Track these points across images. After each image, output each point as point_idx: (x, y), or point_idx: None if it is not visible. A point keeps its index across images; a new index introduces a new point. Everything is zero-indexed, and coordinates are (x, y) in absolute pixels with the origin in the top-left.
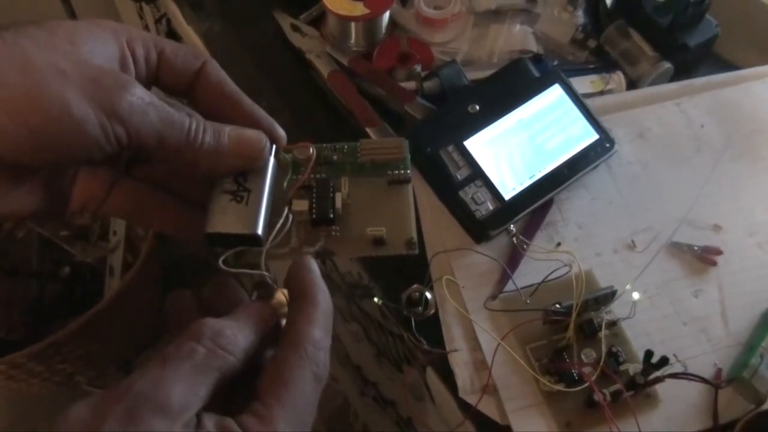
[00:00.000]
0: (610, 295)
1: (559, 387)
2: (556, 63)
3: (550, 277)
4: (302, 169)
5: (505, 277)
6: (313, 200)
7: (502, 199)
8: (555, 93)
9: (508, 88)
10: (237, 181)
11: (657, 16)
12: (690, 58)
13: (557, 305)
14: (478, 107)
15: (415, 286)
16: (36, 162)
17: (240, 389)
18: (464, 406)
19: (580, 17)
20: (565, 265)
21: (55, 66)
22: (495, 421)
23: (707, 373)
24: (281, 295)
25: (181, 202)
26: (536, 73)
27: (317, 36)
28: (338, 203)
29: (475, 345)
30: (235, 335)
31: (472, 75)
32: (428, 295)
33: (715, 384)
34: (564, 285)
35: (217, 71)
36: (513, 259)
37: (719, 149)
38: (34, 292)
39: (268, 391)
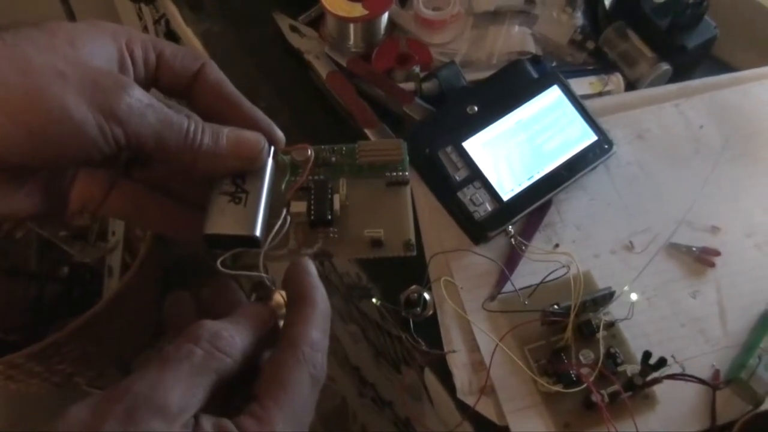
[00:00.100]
0: (608, 296)
1: (557, 388)
2: (554, 64)
3: (548, 278)
4: (300, 171)
5: (503, 278)
6: (312, 202)
7: (501, 200)
8: (554, 94)
9: (506, 90)
10: (235, 183)
11: (656, 17)
12: (689, 59)
13: (555, 306)
14: (476, 108)
15: (413, 287)
16: (35, 163)
17: (238, 390)
18: (462, 407)
19: (579, 19)
20: (564, 266)
21: (55, 67)
22: (493, 421)
23: (705, 374)
24: (279, 297)
25: (180, 203)
26: (535, 75)
27: (316, 37)
28: (336, 205)
29: (473, 346)
30: (233, 337)
31: (471, 76)
32: (426, 296)
33: (713, 385)
34: (562, 286)
35: (215, 73)
36: (511, 260)
37: (718, 150)
38: (33, 293)
39: (266, 392)
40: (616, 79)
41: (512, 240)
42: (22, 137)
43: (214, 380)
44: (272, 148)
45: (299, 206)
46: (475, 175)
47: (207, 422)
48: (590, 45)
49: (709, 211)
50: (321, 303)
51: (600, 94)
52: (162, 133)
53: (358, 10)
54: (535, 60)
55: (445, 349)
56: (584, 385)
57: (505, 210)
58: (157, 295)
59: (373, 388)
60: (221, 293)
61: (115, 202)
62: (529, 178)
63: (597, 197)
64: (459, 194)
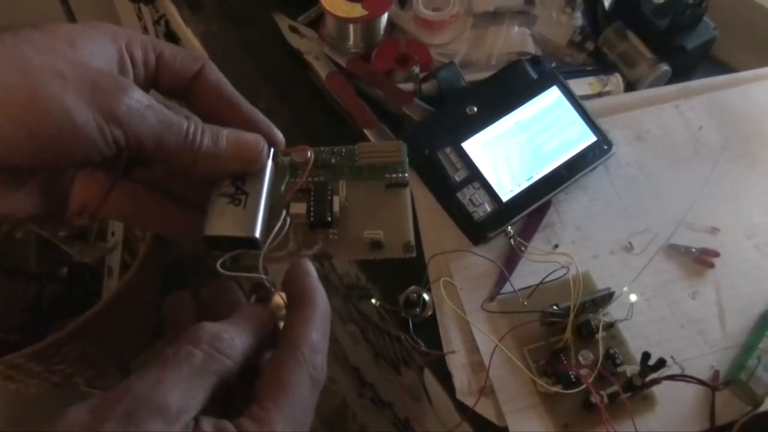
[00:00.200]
0: (607, 297)
1: (557, 389)
2: (554, 65)
3: (547, 279)
4: (300, 173)
5: (502, 279)
6: (311, 203)
7: (500, 200)
8: (553, 95)
9: (506, 90)
10: (235, 184)
11: (655, 18)
12: (688, 60)
13: (555, 307)
14: (476, 109)
15: (412, 287)
16: (34, 164)
17: (238, 392)
18: (461, 408)
19: (579, 19)
20: (563, 267)
21: (54, 69)
22: (492, 422)
23: (704, 375)
24: (279, 298)
25: (179, 205)
26: (534, 75)
27: (315, 37)
28: (336, 206)
29: (472, 347)
30: (233, 339)
31: (471, 77)
32: (426, 296)
33: (712, 386)
34: (561, 287)
35: (215, 74)
36: (510, 260)
37: (717, 151)
38: (32, 293)
39: (266, 394)
40: (616, 80)
41: (511, 240)
42: (21, 138)
43: (214, 382)
44: (272, 150)
45: (299, 208)
46: (475, 175)
47: (207, 424)
48: (590, 46)
49: (708, 212)
50: (321, 304)
51: (599, 95)
52: (162, 134)
53: (358, 11)
54: (535, 60)
55: (445, 350)
56: (583, 386)
57: (505, 211)
58: (156, 295)
59: (373, 388)
60: (221, 294)
61: (115, 202)
62: (528, 179)
63: (596, 198)
64: (458, 195)
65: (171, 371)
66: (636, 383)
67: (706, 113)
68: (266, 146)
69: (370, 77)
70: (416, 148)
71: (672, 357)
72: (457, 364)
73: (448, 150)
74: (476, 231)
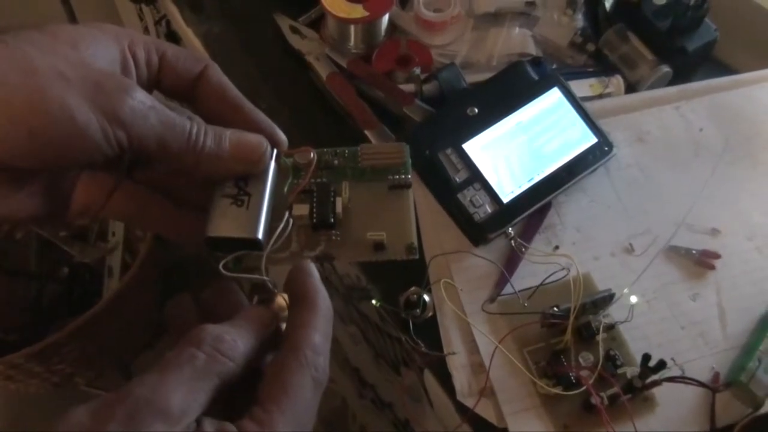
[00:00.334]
0: (607, 299)
1: (557, 390)
2: (555, 66)
3: (548, 281)
4: (303, 174)
5: (503, 280)
6: (314, 205)
7: (501, 202)
8: (554, 96)
9: (506, 91)
10: (238, 185)
11: (656, 19)
12: (689, 62)
13: (555, 308)
14: (476, 110)
15: (413, 288)
16: (35, 164)
17: (240, 394)
18: (462, 409)
19: (580, 21)
20: (563, 269)
21: (57, 69)
22: (492, 423)
23: (705, 376)
24: (281, 300)
25: (182, 206)
26: (535, 77)
27: (316, 38)
28: (339, 208)
29: (472, 348)
30: (235, 341)
31: (471, 78)
32: (426, 297)
33: (712, 388)
34: (562, 288)
35: (218, 75)
36: (511, 262)
37: (718, 153)
38: (32, 293)
39: (268, 396)
40: (617, 82)
41: (512, 242)
42: (22, 138)
43: (217, 384)
44: (275, 151)
45: (301, 209)
46: (475, 176)
47: (209, 426)
48: (591, 47)
49: (709, 214)
50: (323, 306)
51: (600, 96)
52: (164, 135)
53: (359, 12)
54: (536, 62)
55: (445, 351)
56: (584, 388)
57: (505, 212)
58: (156, 295)
59: (373, 389)
60: (223, 295)
61: (117, 203)
62: (529, 180)
63: (597, 199)
64: (459, 196)
65: (173, 373)
66: (636, 385)
67: (707, 115)
68: (269, 147)
69: (370, 78)
70: (417, 149)
71: (672, 359)
72: (458, 365)
73: (448, 151)
74: (477, 232)
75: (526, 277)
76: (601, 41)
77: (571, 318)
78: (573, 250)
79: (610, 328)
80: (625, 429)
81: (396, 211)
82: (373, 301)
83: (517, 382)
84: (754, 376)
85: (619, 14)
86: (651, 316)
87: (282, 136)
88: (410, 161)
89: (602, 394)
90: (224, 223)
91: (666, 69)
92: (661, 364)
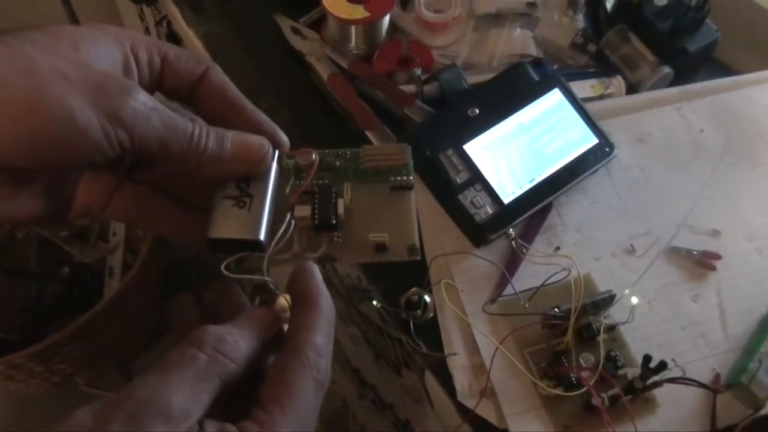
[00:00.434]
0: (608, 300)
1: (558, 391)
2: (555, 67)
3: (548, 281)
4: (305, 175)
5: (503, 281)
6: (316, 206)
7: (502, 203)
8: (555, 97)
9: (507, 92)
10: (239, 187)
11: (657, 20)
12: (690, 62)
13: (556, 309)
14: (477, 111)
15: (413, 289)
16: (36, 165)
17: (242, 395)
18: (462, 410)
19: (580, 21)
20: (564, 269)
21: (58, 70)
22: (493, 424)
23: (705, 377)
24: (283, 301)
25: (183, 207)
26: (536, 77)
27: (317, 39)
28: (341, 209)
29: (473, 349)
30: (237, 342)
31: (472, 79)
32: (427, 298)
33: (713, 389)
34: (563, 289)
35: (220, 76)
36: (512, 262)
37: (718, 154)
38: (33, 293)
39: (270, 397)
40: (618, 82)
41: (513, 243)
42: (23, 139)
43: (218, 385)
44: (276, 152)
45: (303, 210)
46: (476, 177)
47: (211, 427)
48: (591, 48)
49: (709, 215)
50: (326, 307)
51: (601, 97)
52: (166, 136)
53: (360, 12)
54: (537, 63)
55: (446, 352)
56: (584, 389)
57: (506, 213)
58: (157, 295)
59: (374, 390)
60: (225, 296)
61: (119, 204)
62: (530, 181)
63: (598, 200)
64: (460, 197)
65: (175, 374)
66: (637, 386)
67: (708, 116)
68: (271, 149)
69: (371, 79)
70: (418, 150)
71: (673, 359)
72: (458, 366)
73: (449, 152)
74: (478, 233)
75: (527, 277)
76: (602, 42)
77: (572, 319)
78: (574, 250)
79: (611, 328)
80: (626, 430)
81: (398, 212)
82: (374, 302)
83: (518, 383)
84: (755, 377)
85: (620, 15)
86: (652, 317)
87: (284, 138)
88: (412, 162)
89: (603, 395)
90: (226, 225)
91: (667, 70)
92: (662, 365)
